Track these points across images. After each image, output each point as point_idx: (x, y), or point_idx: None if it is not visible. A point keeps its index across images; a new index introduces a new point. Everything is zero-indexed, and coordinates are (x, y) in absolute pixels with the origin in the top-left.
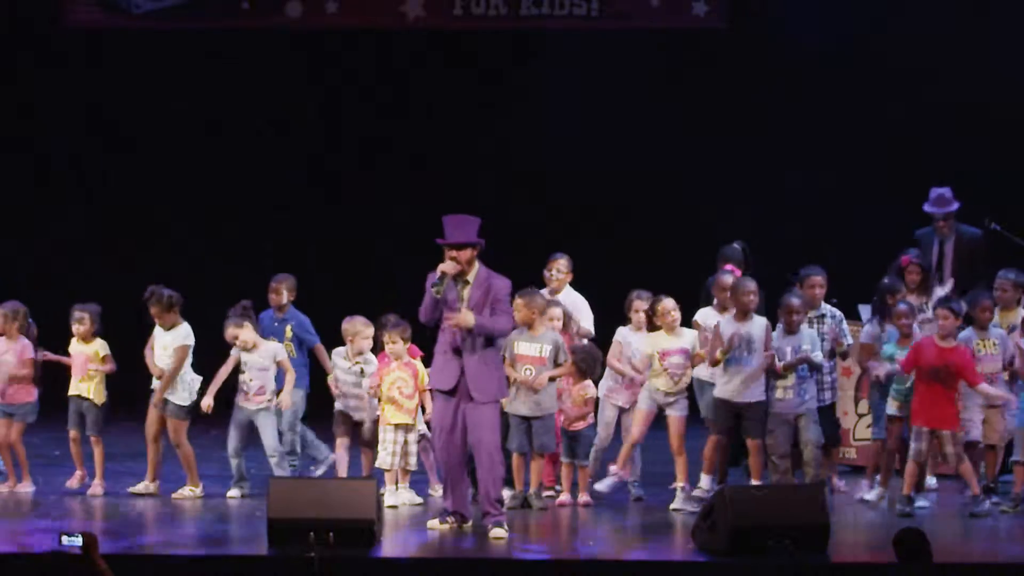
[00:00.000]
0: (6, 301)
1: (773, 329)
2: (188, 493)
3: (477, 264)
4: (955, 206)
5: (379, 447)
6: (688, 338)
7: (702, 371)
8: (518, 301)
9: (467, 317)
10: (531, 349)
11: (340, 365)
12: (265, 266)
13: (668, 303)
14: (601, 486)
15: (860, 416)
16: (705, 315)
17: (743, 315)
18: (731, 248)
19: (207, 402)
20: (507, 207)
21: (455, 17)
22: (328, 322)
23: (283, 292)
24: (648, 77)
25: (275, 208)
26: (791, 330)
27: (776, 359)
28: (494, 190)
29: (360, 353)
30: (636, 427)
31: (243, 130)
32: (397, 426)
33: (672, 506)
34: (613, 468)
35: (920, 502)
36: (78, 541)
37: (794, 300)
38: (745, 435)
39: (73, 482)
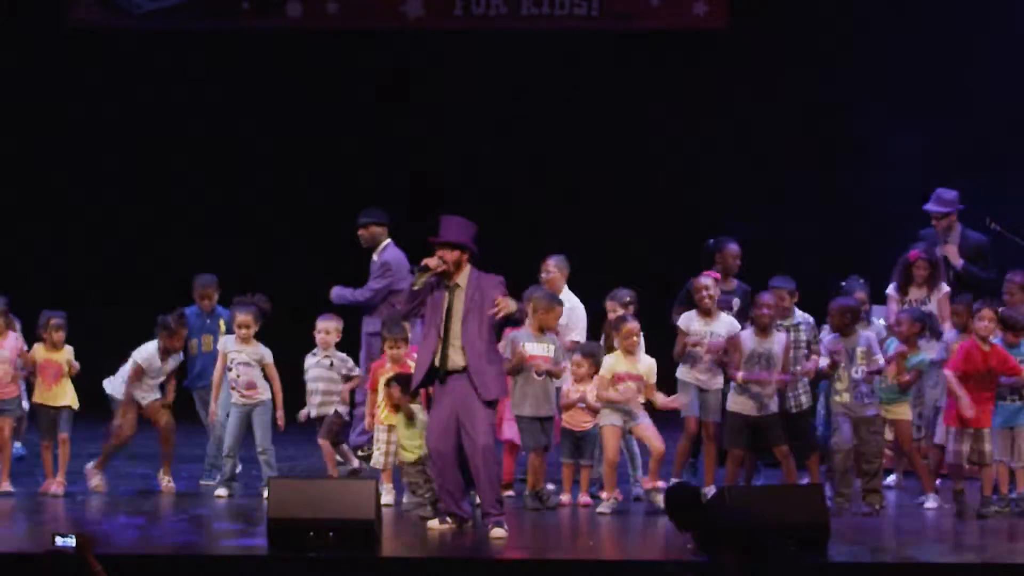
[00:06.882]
0: None
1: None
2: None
3: (468, 268)
4: (953, 208)
5: (373, 446)
6: (644, 365)
7: (699, 375)
8: (542, 303)
9: (508, 303)
10: (540, 349)
11: (316, 363)
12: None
13: (633, 326)
14: (605, 508)
15: None
16: (689, 319)
17: (763, 331)
18: (724, 247)
19: (212, 409)
20: (505, 207)
21: (455, 17)
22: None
23: (217, 291)
24: (648, 77)
25: (274, 206)
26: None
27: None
28: (494, 189)
29: (328, 347)
30: (609, 446)
31: (242, 129)
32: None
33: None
34: (603, 495)
35: (930, 503)
36: (71, 541)
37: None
38: (772, 445)
39: (48, 487)
